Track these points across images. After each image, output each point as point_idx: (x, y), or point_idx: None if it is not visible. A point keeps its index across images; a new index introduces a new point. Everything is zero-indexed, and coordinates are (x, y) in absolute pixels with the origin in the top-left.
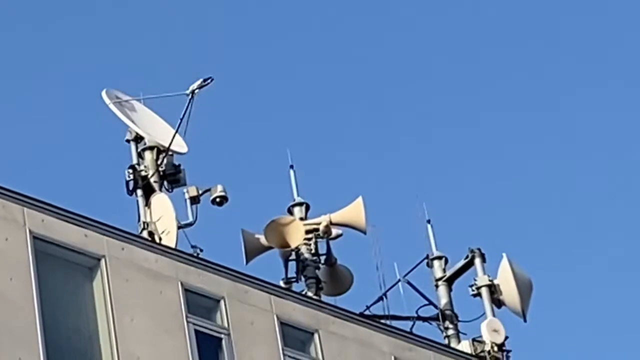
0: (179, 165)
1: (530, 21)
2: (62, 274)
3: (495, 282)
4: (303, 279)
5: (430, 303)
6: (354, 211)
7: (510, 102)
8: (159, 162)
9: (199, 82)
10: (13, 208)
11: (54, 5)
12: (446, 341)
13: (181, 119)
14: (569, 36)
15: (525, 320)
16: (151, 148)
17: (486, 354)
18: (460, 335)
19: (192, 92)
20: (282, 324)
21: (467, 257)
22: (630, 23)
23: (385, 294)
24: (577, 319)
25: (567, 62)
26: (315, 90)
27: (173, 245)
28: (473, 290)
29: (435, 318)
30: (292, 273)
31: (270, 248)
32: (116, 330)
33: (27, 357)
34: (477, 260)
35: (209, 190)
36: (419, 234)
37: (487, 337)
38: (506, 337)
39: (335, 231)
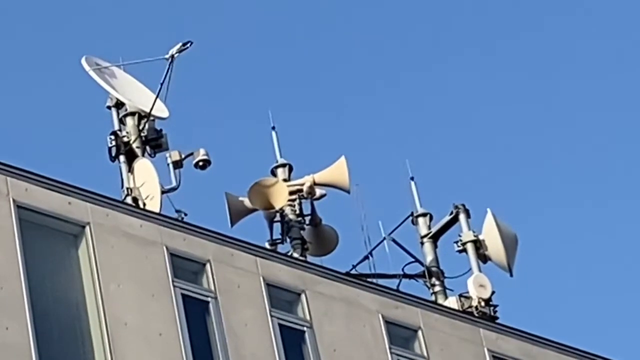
0: (161, 130)
1: None
2: (47, 242)
3: (481, 237)
4: (288, 240)
5: (416, 260)
6: (337, 171)
7: (491, 61)
8: (140, 127)
9: (178, 46)
10: None
11: None
12: (433, 298)
13: (161, 84)
14: None
15: (511, 275)
16: (132, 114)
17: (473, 309)
18: (447, 291)
19: (172, 56)
20: (269, 286)
21: (451, 213)
22: None
23: (370, 253)
24: (563, 273)
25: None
26: (295, 51)
27: (157, 210)
28: (458, 246)
29: (421, 275)
30: (277, 234)
31: (254, 210)
32: (103, 296)
33: (14, 326)
34: (462, 216)
35: (191, 154)
36: (403, 192)
37: (473, 292)
38: (493, 292)
39: (319, 191)
